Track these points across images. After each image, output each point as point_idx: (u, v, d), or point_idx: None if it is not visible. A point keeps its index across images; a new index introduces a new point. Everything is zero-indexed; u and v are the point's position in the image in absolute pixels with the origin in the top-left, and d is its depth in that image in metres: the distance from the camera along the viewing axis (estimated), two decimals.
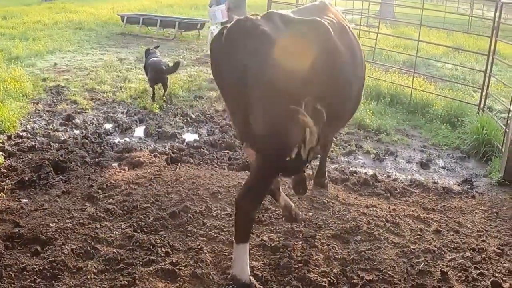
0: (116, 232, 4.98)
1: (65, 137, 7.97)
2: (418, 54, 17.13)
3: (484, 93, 10.06)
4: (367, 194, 6.68)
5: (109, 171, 6.60)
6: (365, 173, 7.48)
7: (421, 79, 12.02)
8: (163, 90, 10.35)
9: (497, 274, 4.88)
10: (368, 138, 9.06)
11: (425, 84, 11.87)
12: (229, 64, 3.96)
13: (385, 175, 7.59)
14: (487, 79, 10.05)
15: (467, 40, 21.95)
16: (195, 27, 18.61)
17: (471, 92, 12.52)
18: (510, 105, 8.26)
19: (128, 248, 4.73)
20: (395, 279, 4.64)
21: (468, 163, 8.38)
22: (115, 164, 6.95)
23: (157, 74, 10.18)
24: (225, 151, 7.80)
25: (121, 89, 10.95)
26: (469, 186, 7.35)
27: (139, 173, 6.49)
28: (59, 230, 4.91)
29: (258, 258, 4.79)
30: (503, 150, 7.88)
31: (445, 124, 9.73)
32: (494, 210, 6.41)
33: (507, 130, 7.86)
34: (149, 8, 27.83)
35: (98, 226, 5.06)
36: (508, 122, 7.96)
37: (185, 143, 8.05)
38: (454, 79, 14.15)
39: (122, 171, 6.64)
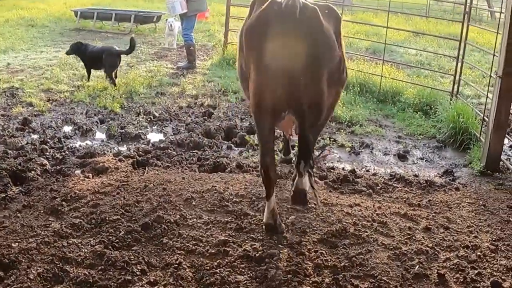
0: (86, 250, 4.49)
1: (23, 143, 7.39)
2: (379, 40, 17.16)
3: (457, 79, 9.82)
4: (349, 192, 6.32)
5: (72, 180, 6.09)
6: (343, 169, 7.14)
7: (389, 67, 11.73)
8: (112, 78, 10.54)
9: (495, 273, 4.59)
10: (341, 130, 8.73)
11: (394, 71, 11.58)
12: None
13: (363, 169, 7.26)
14: (459, 65, 9.79)
15: (427, 25, 21.84)
16: (152, 20, 18.06)
17: (439, 79, 12.32)
18: (487, 91, 8.00)
19: (100, 268, 4.26)
20: (391, 286, 4.30)
21: (445, 153, 8.13)
22: (78, 172, 6.43)
23: (117, 58, 10.53)
24: (194, 151, 7.36)
25: (78, 88, 10.39)
26: (451, 178, 7.08)
27: (104, 181, 6.00)
28: (22, 251, 4.40)
29: (243, 271, 4.38)
30: (482, 138, 7.63)
31: (417, 112, 9.47)
32: (481, 202, 6.14)
33: (486, 118, 7.61)
34: (103, 2, 27.03)
35: (65, 244, 4.56)
36: (488, 108, 7.70)
37: (150, 144, 7.57)
38: (421, 65, 13.92)
39: (86, 179, 6.14)
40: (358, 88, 10.52)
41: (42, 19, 19.91)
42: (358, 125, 8.94)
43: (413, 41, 18.67)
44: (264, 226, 4.97)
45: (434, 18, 23.95)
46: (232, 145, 7.75)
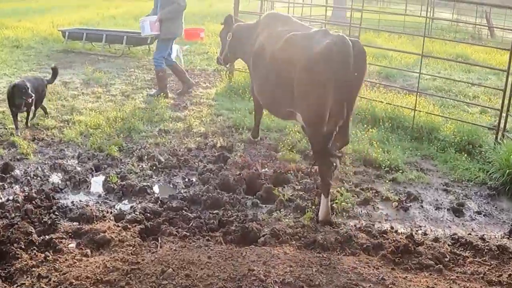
0: None
1: (2, 199, 6.05)
2: (388, 63, 15.95)
3: (504, 115, 8.59)
4: (415, 267, 5.09)
5: (66, 259, 4.71)
6: (397, 232, 5.86)
7: (423, 99, 10.48)
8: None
9: None
10: (380, 178, 7.45)
11: (427, 103, 10.33)
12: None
13: (420, 232, 5.99)
14: (506, 99, 8.56)
15: (433, 46, 20.65)
16: (145, 42, 16.66)
17: (467, 109, 11.13)
18: None
19: None
20: None
21: (501, 203, 7.01)
22: (72, 245, 5.06)
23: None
24: (213, 211, 6.00)
25: (68, 124, 9.04)
26: None
27: (108, 262, 4.62)
28: None
29: None
30: None
31: (460, 153, 8.21)
32: None
33: None
34: (91, 21, 25.73)
35: None
36: None
37: (159, 202, 6.15)
38: (440, 93, 12.67)
39: (84, 258, 4.76)
40: (390, 124, 9.21)
41: (28, 40, 18.48)
42: (398, 170, 7.64)
43: (425, 64, 17.46)
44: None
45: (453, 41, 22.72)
46: (258, 201, 6.38)
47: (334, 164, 5.91)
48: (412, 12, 33.22)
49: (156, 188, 6.68)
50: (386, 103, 9.84)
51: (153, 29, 10.98)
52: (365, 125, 9.21)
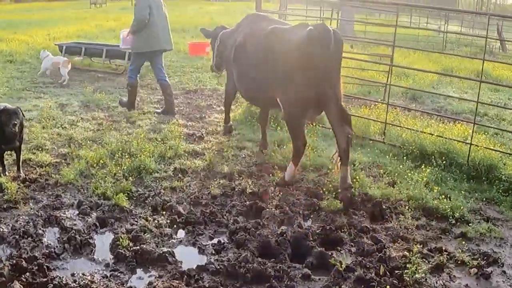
0: None
1: None
2: (412, 82, 14.65)
3: None
4: None
5: None
6: None
7: (481, 134, 9.16)
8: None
9: None
10: (447, 233, 6.10)
11: (482, 135, 9.02)
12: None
13: None
14: None
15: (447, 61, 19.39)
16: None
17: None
18: None
19: None
20: None
21: None
22: None
23: None
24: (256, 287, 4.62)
25: (66, 159, 7.71)
26: None
27: None
28: None
29: None
30: None
31: None
32: None
33: None
34: (90, 34, 24.50)
35: None
36: None
37: (185, 277, 4.76)
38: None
39: None
40: (444, 161, 7.90)
41: (23, 54, 17.19)
42: (466, 222, 6.30)
43: (447, 83, 16.21)
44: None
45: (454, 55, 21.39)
46: (310, 272, 5.00)
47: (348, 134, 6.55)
48: (414, 25, 32.19)
49: (178, 254, 5.25)
50: (437, 135, 8.50)
51: (125, 43, 11.10)
52: (415, 163, 7.86)
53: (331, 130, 7.07)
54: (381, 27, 25.50)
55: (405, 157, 8.14)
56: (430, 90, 14.00)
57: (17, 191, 6.42)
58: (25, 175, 7.04)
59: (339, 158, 6.72)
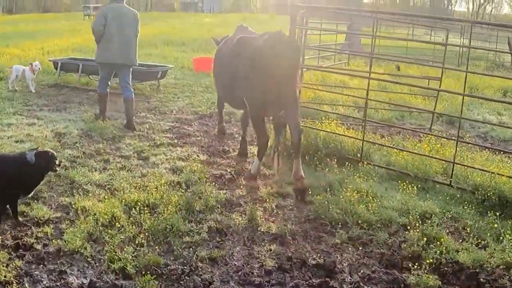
0: None
1: None
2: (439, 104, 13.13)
3: None
4: None
5: None
6: None
7: None
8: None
9: None
10: None
11: None
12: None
13: None
14: None
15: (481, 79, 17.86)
16: (154, 77, 13.82)
17: None
18: None
19: None
20: None
21: None
22: None
23: None
24: None
25: (68, 213, 6.11)
26: None
27: None
28: None
29: None
30: None
31: None
32: None
33: None
34: (85, 48, 22.87)
35: None
36: None
37: None
38: None
39: None
40: (495, 200, 6.57)
41: None
42: None
43: (475, 103, 14.75)
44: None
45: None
46: None
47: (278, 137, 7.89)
48: (418, 37, 30.77)
49: None
50: (493, 173, 7.08)
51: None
52: (495, 212, 6.30)
53: (383, 169, 7.65)
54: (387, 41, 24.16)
55: (481, 207, 6.62)
56: (465, 113, 12.48)
57: (7, 267, 4.79)
58: (18, 237, 5.42)
59: (277, 150, 7.97)
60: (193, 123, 10.66)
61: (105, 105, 10.61)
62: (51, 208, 6.21)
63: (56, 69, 14.82)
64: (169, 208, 5.99)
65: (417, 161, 7.90)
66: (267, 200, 6.72)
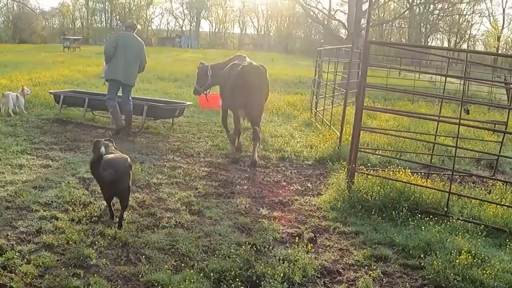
0: None
1: None
2: (469, 144, 12.09)
3: None
4: None
5: None
6: None
7: None
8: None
9: None
10: None
11: None
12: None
13: None
14: None
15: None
16: (173, 114, 12.55)
17: None
18: None
19: None
20: None
21: None
22: None
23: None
24: None
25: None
26: None
27: None
28: None
29: None
30: None
31: None
32: None
33: None
34: (75, 79, 21.68)
35: None
36: None
37: None
38: None
39: None
40: None
41: None
42: None
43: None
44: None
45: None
46: None
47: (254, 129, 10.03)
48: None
49: None
50: None
51: (104, 72, 12.63)
52: None
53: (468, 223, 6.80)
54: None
55: None
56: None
57: None
58: None
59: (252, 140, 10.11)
60: (229, 168, 9.39)
61: (119, 115, 11.70)
62: (113, 282, 4.84)
63: (58, 102, 13.45)
64: (269, 281, 4.68)
65: (505, 214, 6.81)
66: (368, 265, 5.48)
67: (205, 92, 12.08)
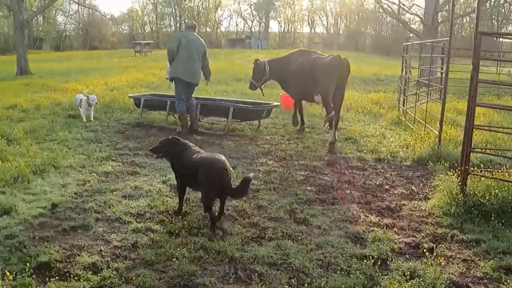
0: None
1: None
2: None
3: None
4: None
5: None
6: None
7: None
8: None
9: None
10: None
11: None
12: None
13: None
14: None
15: None
16: (260, 115, 12.00)
17: None
18: None
19: None
20: None
21: None
22: None
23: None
24: None
25: None
26: None
27: None
28: None
29: None
30: None
31: None
32: None
33: None
34: (150, 83, 21.45)
35: None
36: None
37: None
38: None
39: None
40: None
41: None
42: None
43: None
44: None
45: None
46: None
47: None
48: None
49: None
50: None
51: (166, 72, 13.05)
52: None
53: None
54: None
55: None
56: None
57: None
58: None
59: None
60: (326, 172, 8.75)
61: (186, 121, 11.79)
62: None
63: (138, 106, 13.15)
64: None
65: None
66: (498, 278, 4.92)
67: (261, 87, 12.67)
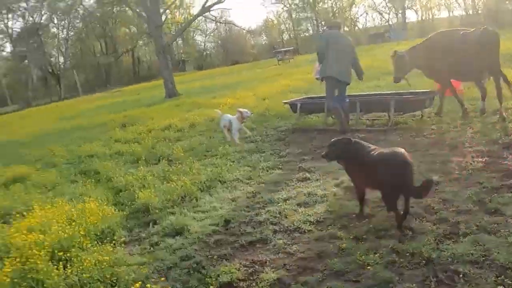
0: None
1: None
2: None
3: None
4: None
5: None
6: None
7: None
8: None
9: None
10: None
11: None
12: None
13: None
14: None
15: None
16: (421, 106, 11.43)
17: None
18: None
19: None
20: None
21: None
22: None
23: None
24: None
25: None
26: None
27: None
28: None
29: None
30: None
31: None
32: None
33: None
34: (297, 87, 21.37)
35: None
36: None
37: None
38: None
39: None
40: None
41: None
42: None
43: None
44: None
45: None
46: None
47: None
48: None
49: None
50: None
51: (315, 72, 13.73)
52: None
53: None
54: None
55: None
56: None
57: None
58: None
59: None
60: (505, 155, 8.01)
61: (343, 118, 11.48)
62: None
63: (295, 111, 13.09)
64: None
65: None
66: None
67: (406, 77, 12.30)
